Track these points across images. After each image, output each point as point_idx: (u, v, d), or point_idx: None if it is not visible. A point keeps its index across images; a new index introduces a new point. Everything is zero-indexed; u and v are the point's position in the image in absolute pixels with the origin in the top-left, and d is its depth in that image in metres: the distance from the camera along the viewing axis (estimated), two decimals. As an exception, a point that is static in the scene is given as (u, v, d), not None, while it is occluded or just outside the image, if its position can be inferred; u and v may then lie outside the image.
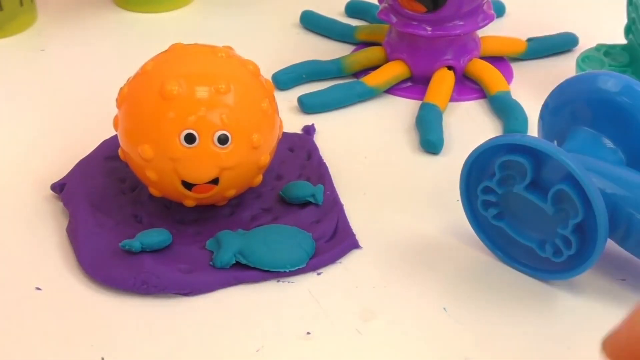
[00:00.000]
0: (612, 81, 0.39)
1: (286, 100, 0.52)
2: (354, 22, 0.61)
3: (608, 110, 0.39)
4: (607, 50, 0.53)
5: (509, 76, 0.55)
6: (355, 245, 0.41)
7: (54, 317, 0.38)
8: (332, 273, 0.40)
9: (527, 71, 0.56)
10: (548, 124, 0.42)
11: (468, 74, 0.54)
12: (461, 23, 0.52)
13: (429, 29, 0.52)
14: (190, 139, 0.38)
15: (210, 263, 0.39)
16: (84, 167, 0.45)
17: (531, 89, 0.53)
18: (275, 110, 0.41)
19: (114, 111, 0.41)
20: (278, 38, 0.60)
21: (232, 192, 0.40)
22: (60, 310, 0.38)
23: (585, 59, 0.53)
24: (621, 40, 0.54)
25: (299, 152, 0.47)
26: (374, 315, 0.38)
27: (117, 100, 0.41)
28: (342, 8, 0.63)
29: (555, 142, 0.41)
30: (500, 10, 0.61)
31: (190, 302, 0.38)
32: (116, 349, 0.36)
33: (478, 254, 0.41)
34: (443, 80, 0.52)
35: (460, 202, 0.40)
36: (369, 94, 0.53)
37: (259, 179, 0.41)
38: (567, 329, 0.37)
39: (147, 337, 0.37)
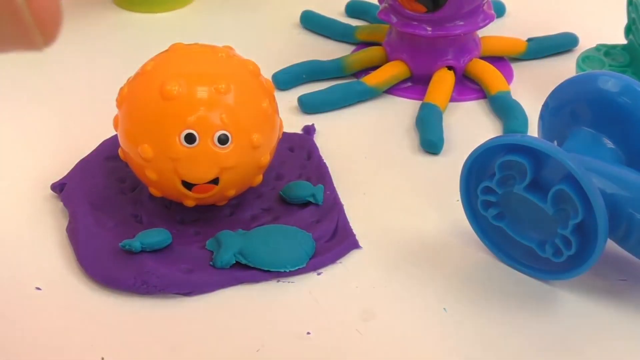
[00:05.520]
0: (612, 81, 0.39)
1: (286, 100, 0.52)
2: (354, 22, 0.61)
3: (608, 110, 0.39)
4: (608, 51, 0.53)
5: (509, 76, 0.55)
6: (355, 245, 0.41)
7: (54, 317, 0.38)
8: (332, 273, 0.40)
9: (527, 71, 0.56)
10: (548, 124, 0.42)
11: (468, 74, 0.54)
12: (461, 23, 0.52)
13: (429, 29, 0.52)
14: (190, 139, 0.38)
15: (211, 263, 0.39)
16: (84, 167, 0.45)
17: (531, 89, 0.53)
18: (275, 110, 0.41)
19: (114, 111, 0.41)
20: (278, 38, 0.60)
21: (232, 192, 0.40)
22: (60, 310, 0.38)
23: (586, 59, 0.53)
24: (621, 40, 0.54)
25: (299, 152, 0.47)
26: (374, 315, 0.38)
27: (117, 100, 0.41)
28: (342, 8, 0.63)
29: (555, 142, 0.41)
30: (500, 10, 0.61)
31: (190, 302, 0.38)
32: (116, 349, 0.36)
33: (478, 254, 0.41)
34: (443, 81, 0.52)
35: (460, 202, 0.40)
36: (369, 94, 0.53)
37: (259, 179, 0.41)
38: (567, 329, 0.37)
39: (147, 337, 0.37)
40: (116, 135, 0.41)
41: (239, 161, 0.39)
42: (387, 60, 0.55)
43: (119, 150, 0.41)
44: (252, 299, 0.38)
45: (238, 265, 0.39)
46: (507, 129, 0.49)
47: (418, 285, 0.39)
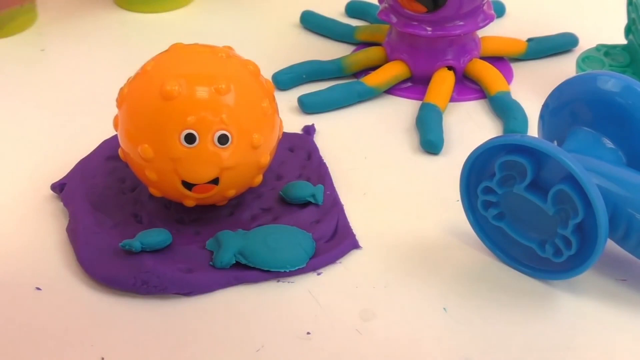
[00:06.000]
0: (612, 81, 0.39)
1: (286, 100, 0.52)
2: (354, 22, 0.61)
3: (608, 110, 0.39)
4: (608, 51, 0.53)
5: (509, 76, 0.55)
6: (355, 245, 0.41)
7: (54, 317, 0.38)
8: (332, 273, 0.40)
9: (527, 71, 0.56)
10: (548, 124, 0.42)
11: (468, 74, 0.54)
12: (461, 23, 0.52)
13: (429, 29, 0.52)
14: (190, 139, 0.38)
15: (210, 263, 0.39)
16: (84, 167, 0.45)
17: (531, 89, 0.53)
18: (275, 110, 0.41)
19: (114, 111, 0.41)
20: (278, 38, 0.60)
21: (232, 192, 0.40)
22: (60, 310, 0.38)
23: (586, 59, 0.53)
24: (621, 40, 0.54)
25: (299, 152, 0.47)
26: (374, 315, 0.38)
27: (117, 100, 0.41)
28: (342, 8, 0.63)
29: (555, 142, 0.41)
30: (500, 10, 0.61)
31: (190, 302, 0.38)
32: (116, 349, 0.36)
33: (478, 254, 0.41)
34: (443, 81, 0.52)
35: (460, 202, 0.40)
36: (369, 94, 0.53)
37: (259, 179, 0.41)
38: (567, 329, 0.37)
39: (147, 337, 0.37)
40: (116, 135, 0.41)
41: (239, 161, 0.39)
42: (387, 60, 0.55)
43: (119, 150, 0.41)
44: (252, 299, 0.38)
45: (238, 265, 0.39)
46: (507, 129, 0.49)
47: (418, 285, 0.39)
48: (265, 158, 0.40)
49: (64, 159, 0.46)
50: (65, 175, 0.45)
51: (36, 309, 0.38)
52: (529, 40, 0.57)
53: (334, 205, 0.43)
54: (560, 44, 0.58)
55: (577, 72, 0.52)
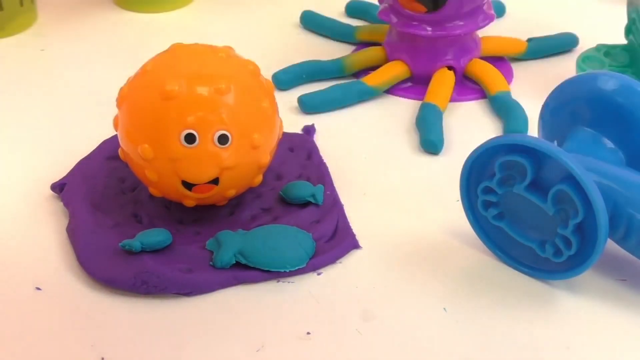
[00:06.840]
0: (612, 81, 0.39)
1: (286, 100, 0.52)
2: (354, 22, 0.61)
3: (608, 110, 0.39)
4: (608, 51, 0.53)
5: (509, 76, 0.55)
6: (355, 245, 0.41)
7: (54, 317, 0.38)
8: (332, 273, 0.40)
9: (527, 71, 0.56)
10: (548, 124, 0.42)
11: (468, 74, 0.54)
12: (461, 23, 0.52)
13: (429, 29, 0.52)
14: (190, 139, 0.38)
15: (211, 263, 0.39)
16: (84, 167, 0.45)
17: (531, 89, 0.53)
18: (275, 110, 0.41)
19: (114, 111, 0.41)
20: (278, 38, 0.60)
21: (232, 192, 0.40)
22: (60, 310, 0.38)
23: (586, 59, 0.53)
24: (621, 40, 0.54)
25: (299, 152, 0.47)
26: (374, 315, 0.38)
27: (117, 100, 0.41)
28: (342, 8, 0.63)
29: (555, 142, 0.41)
30: (500, 10, 0.61)
31: (190, 302, 0.38)
32: (116, 349, 0.36)
33: (478, 254, 0.41)
34: (443, 81, 0.52)
35: (460, 202, 0.40)
36: (369, 94, 0.53)
37: (259, 179, 0.41)
38: (567, 329, 0.37)
39: (147, 337, 0.37)
40: (116, 135, 0.41)
41: (239, 161, 0.39)
42: (387, 60, 0.55)
43: (119, 150, 0.41)
44: (252, 299, 0.38)
45: (238, 265, 0.39)
46: (507, 129, 0.49)
47: (418, 285, 0.39)
48: (265, 158, 0.40)
49: (64, 159, 0.46)
50: (65, 175, 0.45)
51: (36, 309, 0.38)
52: (529, 40, 0.57)
53: (334, 205, 0.43)
54: (560, 44, 0.58)
55: (577, 72, 0.52)
